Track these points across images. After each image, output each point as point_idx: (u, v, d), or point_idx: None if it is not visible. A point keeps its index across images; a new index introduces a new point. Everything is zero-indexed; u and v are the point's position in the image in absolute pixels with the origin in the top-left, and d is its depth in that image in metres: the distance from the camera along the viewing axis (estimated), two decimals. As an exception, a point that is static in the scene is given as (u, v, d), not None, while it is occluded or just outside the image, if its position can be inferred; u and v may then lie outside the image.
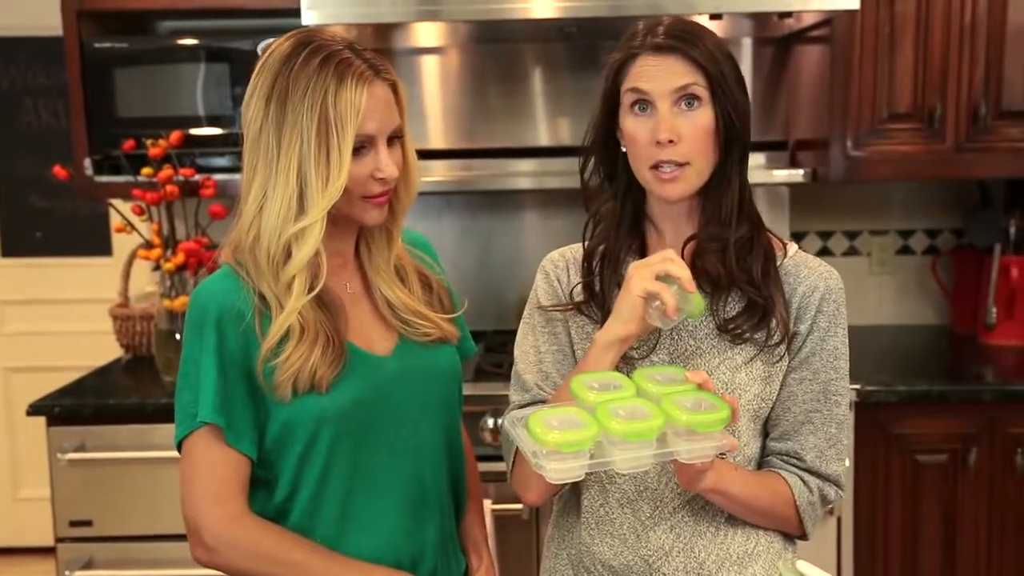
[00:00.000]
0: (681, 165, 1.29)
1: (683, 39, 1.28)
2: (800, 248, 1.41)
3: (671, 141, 1.27)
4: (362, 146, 1.29)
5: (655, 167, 1.30)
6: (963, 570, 2.38)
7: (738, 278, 1.33)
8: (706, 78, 1.27)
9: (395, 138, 1.34)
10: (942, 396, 2.34)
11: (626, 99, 1.31)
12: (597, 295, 1.39)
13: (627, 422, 1.13)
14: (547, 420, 1.14)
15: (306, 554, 1.31)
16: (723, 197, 1.32)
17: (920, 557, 2.38)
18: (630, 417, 1.14)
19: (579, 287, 1.41)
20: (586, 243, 1.42)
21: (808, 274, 1.36)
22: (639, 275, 1.24)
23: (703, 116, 1.28)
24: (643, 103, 1.29)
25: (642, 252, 1.40)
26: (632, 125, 1.31)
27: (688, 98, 1.28)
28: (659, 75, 1.28)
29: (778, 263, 1.36)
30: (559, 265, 1.45)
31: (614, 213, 1.39)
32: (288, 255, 1.29)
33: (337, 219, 1.33)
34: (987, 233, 2.78)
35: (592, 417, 1.15)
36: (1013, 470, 2.34)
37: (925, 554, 2.38)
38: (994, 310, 2.71)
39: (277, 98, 1.28)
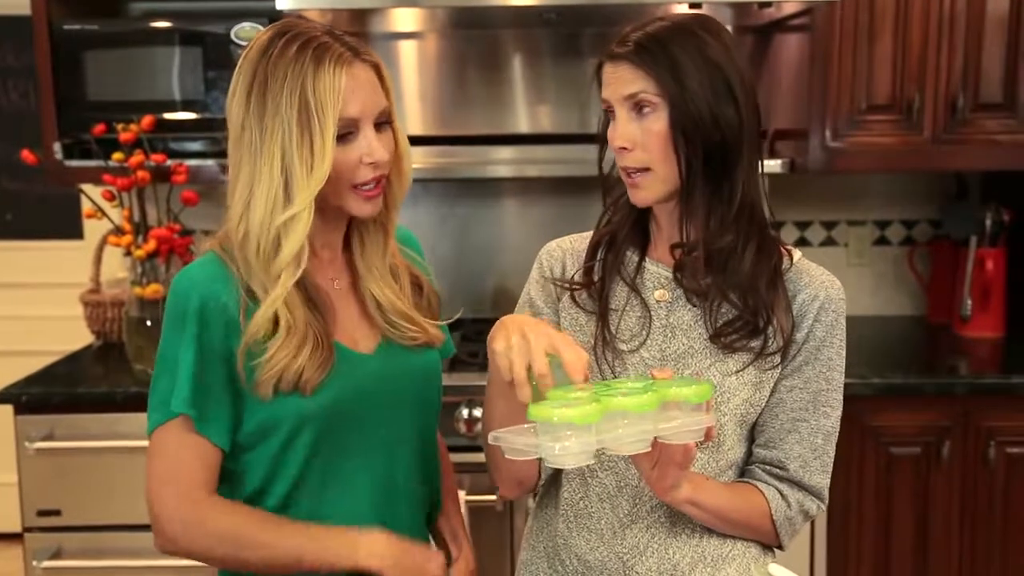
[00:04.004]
0: (641, 171, 1.29)
1: (639, 46, 1.26)
2: (795, 247, 1.39)
3: (624, 148, 1.28)
4: (348, 132, 1.27)
5: (623, 170, 1.31)
6: (935, 562, 2.39)
7: (724, 292, 1.31)
8: (657, 85, 1.25)
9: (384, 123, 1.31)
10: (916, 389, 2.35)
11: (603, 107, 1.33)
12: (595, 283, 1.38)
13: (629, 396, 1.11)
14: (549, 404, 1.10)
15: (262, 523, 1.28)
16: (700, 205, 1.30)
17: (892, 549, 2.39)
18: (628, 393, 1.12)
19: (578, 274, 1.40)
20: (600, 229, 1.42)
21: (809, 282, 1.34)
22: (520, 381, 1.14)
23: (656, 122, 1.26)
24: (610, 110, 1.31)
25: (644, 247, 1.39)
26: (608, 132, 1.32)
27: (638, 104, 1.27)
28: (613, 83, 1.29)
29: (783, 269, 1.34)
30: (555, 255, 1.45)
31: (628, 205, 1.38)
32: (278, 247, 1.27)
33: (327, 211, 1.31)
34: (963, 225, 2.79)
35: (591, 396, 1.12)
36: (986, 463, 2.35)
37: (897, 546, 2.39)
38: (969, 302, 2.72)
39: (257, 90, 1.26)
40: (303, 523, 1.31)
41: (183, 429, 1.27)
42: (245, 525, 1.28)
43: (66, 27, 2.48)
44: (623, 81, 1.27)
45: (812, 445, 1.34)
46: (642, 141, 1.27)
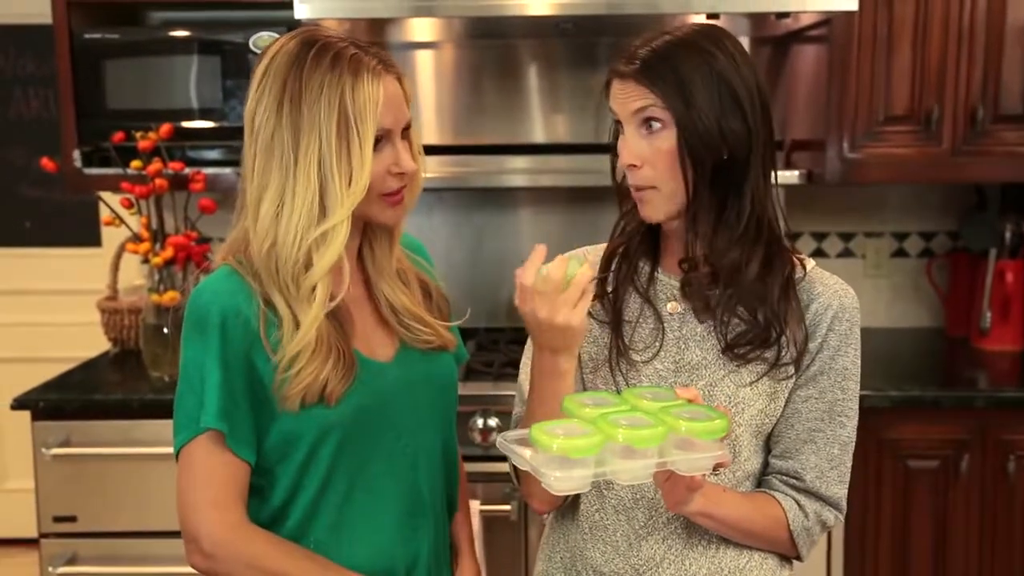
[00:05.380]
0: (648, 188, 1.28)
1: (645, 64, 1.26)
2: (809, 257, 1.38)
3: (633, 165, 1.28)
4: (379, 140, 1.27)
5: (633, 188, 1.31)
6: (953, 577, 2.37)
7: (732, 305, 1.30)
8: (664, 103, 1.24)
9: (404, 132, 1.32)
10: (934, 402, 2.33)
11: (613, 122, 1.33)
12: (608, 294, 1.38)
13: (631, 429, 1.11)
14: (551, 429, 1.11)
15: (307, 568, 1.29)
16: (706, 223, 1.29)
17: (910, 564, 2.37)
18: (632, 425, 1.12)
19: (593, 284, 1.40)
20: (614, 239, 1.41)
21: (822, 291, 1.33)
22: (570, 313, 1.21)
23: (665, 140, 1.26)
24: (619, 126, 1.30)
25: (656, 258, 1.39)
26: (619, 145, 1.32)
27: (647, 121, 1.26)
28: (622, 99, 1.28)
29: (796, 279, 1.33)
30: None
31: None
32: (309, 262, 1.26)
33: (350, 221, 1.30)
34: (983, 237, 2.77)
35: (595, 426, 1.12)
36: (1005, 477, 2.33)
37: (915, 561, 2.37)
38: (988, 314, 2.70)
39: (291, 100, 1.25)
40: (340, 567, 1.30)
41: (213, 445, 1.26)
42: (283, 559, 1.28)
43: (86, 36, 2.50)
44: (631, 98, 1.27)
45: (828, 455, 1.33)
46: (651, 159, 1.27)
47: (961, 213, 2.92)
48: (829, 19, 2.41)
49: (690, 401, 1.18)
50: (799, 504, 1.33)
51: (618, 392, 1.26)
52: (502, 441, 1.17)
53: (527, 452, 1.12)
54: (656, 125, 1.26)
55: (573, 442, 1.08)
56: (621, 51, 1.31)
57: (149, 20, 2.77)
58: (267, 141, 1.27)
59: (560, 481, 1.09)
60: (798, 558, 1.38)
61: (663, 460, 1.13)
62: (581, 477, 1.10)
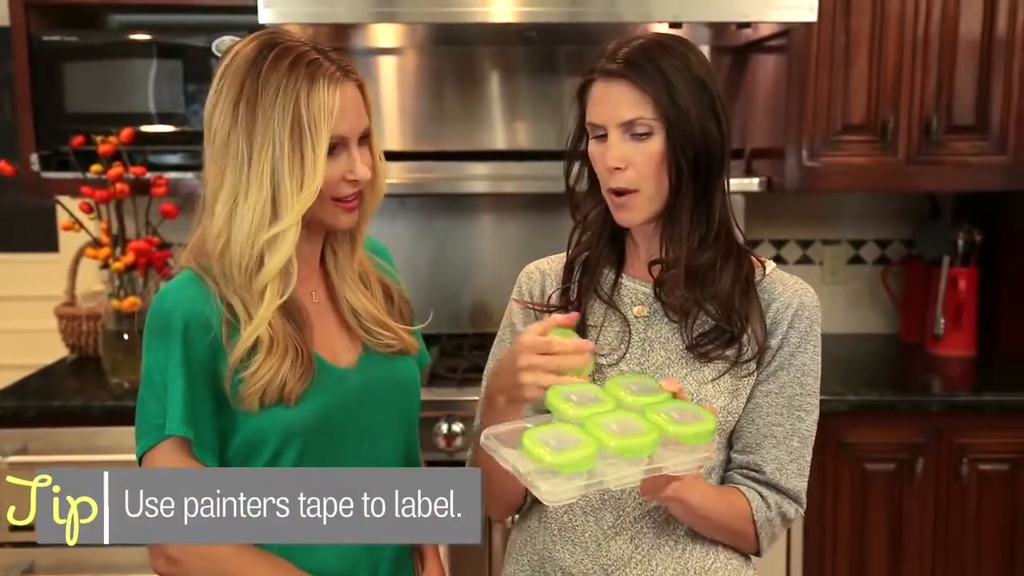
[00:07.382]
0: (630, 192, 1.30)
1: (634, 65, 1.27)
2: (768, 260, 1.41)
3: (618, 168, 1.29)
4: (334, 147, 1.28)
5: (611, 191, 1.32)
6: (909, 577, 2.41)
7: (702, 304, 1.33)
8: (655, 107, 1.27)
9: (363, 139, 1.32)
10: (891, 406, 2.37)
11: (588, 127, 1.33)
12: (572, 303, 1.39)
13: (623, 437, 1.10)
14: (543, 438, 1.09)
15: (269, 572, 1.28)
16: (684, 223, 1.32)
17: (867, 565, 2.41)
18: (623, 432, 1.10)
19: (555, 295, 1.41)
20: (569, 250, 1.42)
21: (783, 291, 1.36)
22: (537, 389, 1.16)
23: (653, 144, 1.28)
24: (599, 131, 1.31)
25: (620, 264, 1.40)
26: (592, 150, 1.33)
27: (635, 127, 1.28)
28: (608, 104, 1.29)
29: (756, 280, 1.36)
30: (533, 278, 1.46)
31: (599, 222, 1.39)
32: (261, 262, 1.27)
33: (306, 225, 1.31)
34: (936, 245, 2.83)
35: (586, 433, 1.10)
36: (958, 479, 2.38)
37: (872, 562, 2.41)
38: (942, 321, 2.76)
39: (246, 102, 1.26)
40: (302, 571, 1.30)
41: (176, 451, 1.26)
42: (245, 563, 1.28)
43: (45, 38, 2.47)
44: (620, 104, 1.28)
45: (788, 448, 1.35)
46: (637, 162, 1.29)
47: (915, 221, 2.98)
48: (788, 30, 2.45)
49: (674, 395, 1.19)
50: (762, 496, 1.35)
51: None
52: (487, 442, 1.16)
53: (513, 453, 1.11)
54: (644, 131, 1.28)
55: (567, 456, 1.06)
56: (596, 56, 1.33)
57: (109, 23, 2.74)
58: (223, 142, 1.27)
59: (552, 494, 1.07)
60: (758, 553, 1.40)
61: (655, 467, 1.12)
62: (575, 488, 1.08)
